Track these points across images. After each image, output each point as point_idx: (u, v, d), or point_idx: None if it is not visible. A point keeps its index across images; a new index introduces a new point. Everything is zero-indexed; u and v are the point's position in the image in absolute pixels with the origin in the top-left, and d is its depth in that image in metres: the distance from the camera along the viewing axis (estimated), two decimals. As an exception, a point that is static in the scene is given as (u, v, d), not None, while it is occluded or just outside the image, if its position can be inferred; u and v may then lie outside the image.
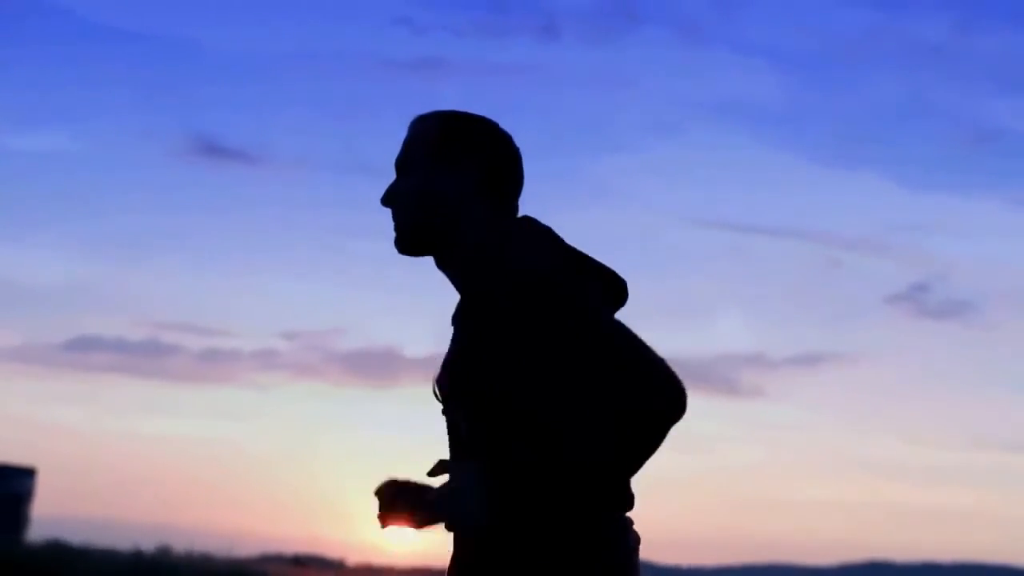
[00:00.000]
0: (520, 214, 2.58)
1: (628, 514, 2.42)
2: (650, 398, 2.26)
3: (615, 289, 2.47)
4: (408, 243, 2.55)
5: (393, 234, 2.57)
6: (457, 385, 2.44)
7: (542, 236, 2.46)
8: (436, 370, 2.55)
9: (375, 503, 2.42)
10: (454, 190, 2.51)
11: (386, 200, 2.57)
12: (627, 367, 2.27)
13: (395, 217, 2.56)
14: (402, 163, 2.58)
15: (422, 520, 2.40)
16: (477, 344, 2.40)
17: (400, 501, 2.40)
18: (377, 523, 2.43)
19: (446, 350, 2.55)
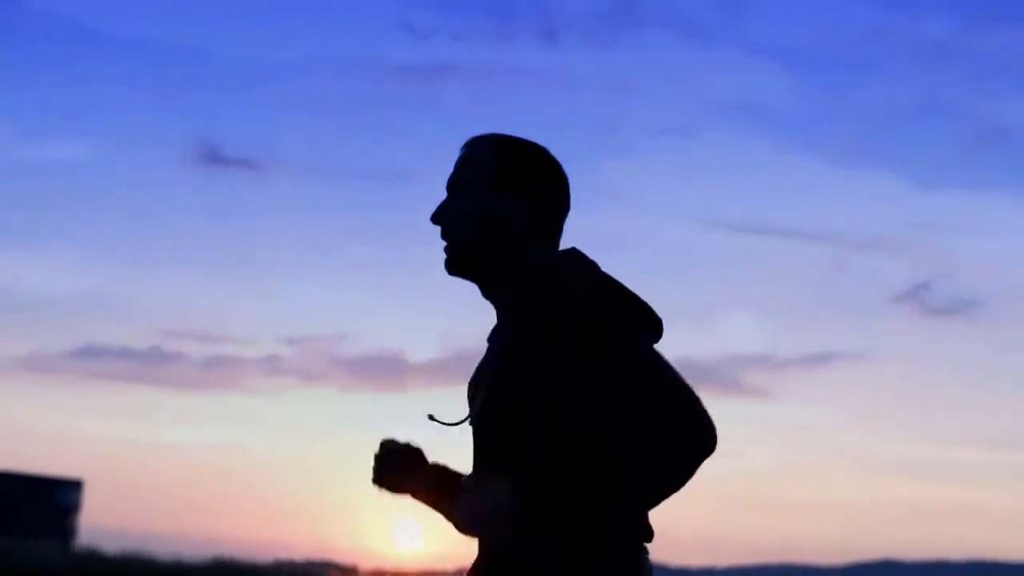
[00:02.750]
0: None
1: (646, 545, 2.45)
2: (685, 435, 2.28)
3: (651, 324, 2.47)
4: (462, 265, 2.56)
5: (443, 255, 2.57)
6: (493, 403, 2.45)
7: (585, 264, 2.48)
8: (467, 379, 2.60)
9: (375, 464, 2.53)
10: (512, 215, 2.53)
11: (437, 218, 2.57)
12: (662, 399, 2.30)
13: (447, 237, 2.56)
14: (456, 184, 2.58)
15: (421, 495, 2.56)
16: (513, 365, 2.42)
17: (402, 466, 2.53)
18: (374, 485, 2.55)
19: (476, 365, 2.59)
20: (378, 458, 2.54)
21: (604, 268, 2.50)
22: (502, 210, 2.52)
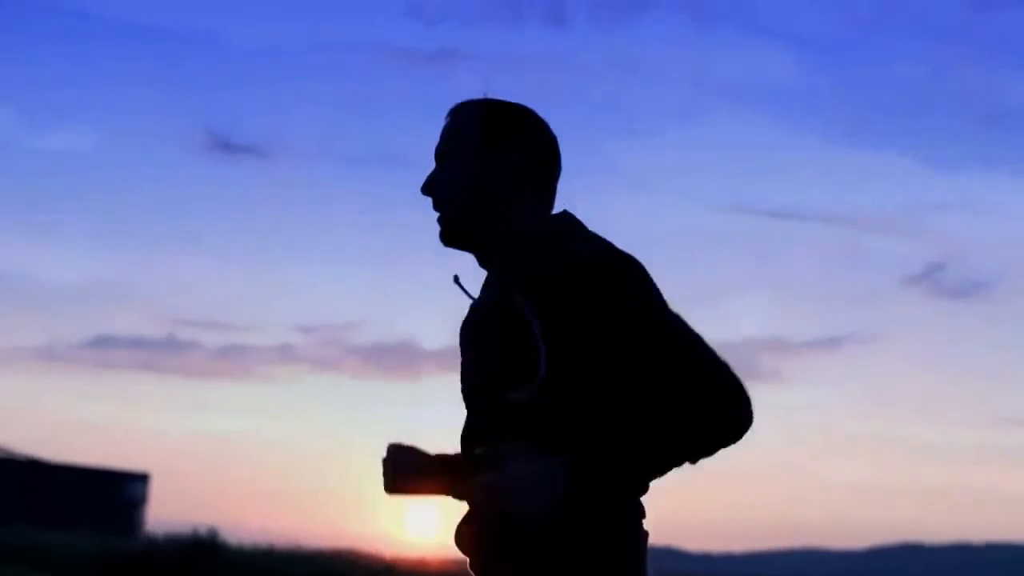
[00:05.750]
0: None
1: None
2: (720, 405, 2.24)
3: None
4: (457, 235, 2.48)
5: (437, 226, 2.49)
6: (506, 376, 2.34)
7: (584, 228, 2.44)
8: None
9: (385, 469, 2.44)
10: (504, 180, 2.45)
11: (428, 189, 2.49)
12: (695, 366, 2.24)
13: (440, 208, 2.48)
14: (444, 152, 2.50)
15: (445, 491, 2.46)
16: (528, 334, 2.31)
17: (416, 468, 2.44)
18: (385, 490, 2.45)
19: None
20: (385, 463, 2.48)
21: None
22: (492, 175, 2.45)
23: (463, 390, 2.47)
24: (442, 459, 2.52)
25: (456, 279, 2.49)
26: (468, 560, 2.40)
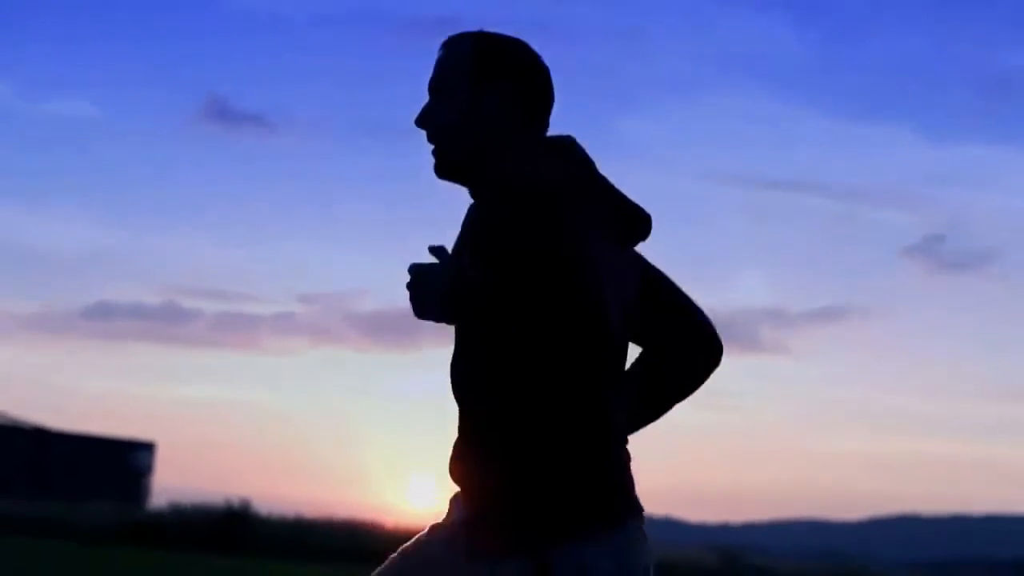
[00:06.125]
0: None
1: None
2: (587, 343, 2.31)
3: (630, 222, 2.47)
4: (451, 169, 2.51)
5: (432, 158, 2.52)
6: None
7: (559, 152, 2.46)
8: None
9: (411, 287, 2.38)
10: (496, 113, 2.49)
11: (422, 122, 2.53)
12: (572, 303, 2.28)
13: (434, 141, 2.52)
14: (437, 85, 2.53)
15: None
16: (463, 242, 2.42)
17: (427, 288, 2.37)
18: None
19: None
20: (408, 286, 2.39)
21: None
22: (485, 109, 2.49)
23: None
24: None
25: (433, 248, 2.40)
26: (460, 490, 2.48)
